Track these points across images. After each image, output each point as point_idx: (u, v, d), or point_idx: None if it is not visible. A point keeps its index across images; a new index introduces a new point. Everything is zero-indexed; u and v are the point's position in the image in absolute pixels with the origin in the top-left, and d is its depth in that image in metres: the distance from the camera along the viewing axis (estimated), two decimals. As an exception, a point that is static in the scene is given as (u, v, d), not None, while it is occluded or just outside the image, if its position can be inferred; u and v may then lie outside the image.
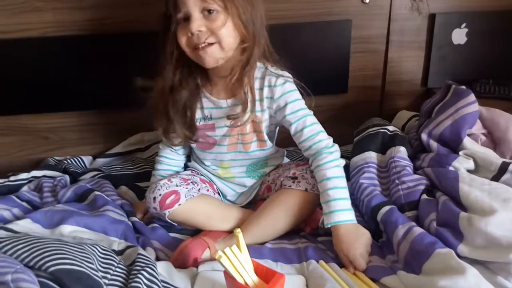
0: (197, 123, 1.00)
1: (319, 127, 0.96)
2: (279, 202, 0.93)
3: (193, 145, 1.05)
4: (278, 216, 0.92)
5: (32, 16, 1.20)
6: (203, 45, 0.88)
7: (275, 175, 1.04)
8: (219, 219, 0.96)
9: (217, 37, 0.88)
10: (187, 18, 0.87)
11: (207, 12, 0.86)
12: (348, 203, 0.89)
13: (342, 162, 0.94)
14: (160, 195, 0.92)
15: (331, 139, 0.96)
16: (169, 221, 0.95)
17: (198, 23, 0.86)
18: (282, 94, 0.95)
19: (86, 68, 1.26)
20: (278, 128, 1.07)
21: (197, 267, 0.82)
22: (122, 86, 1.27)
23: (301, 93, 0.98)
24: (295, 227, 0.96)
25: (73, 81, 1.27)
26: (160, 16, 0.91)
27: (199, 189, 0.99)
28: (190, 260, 0.83)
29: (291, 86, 0.96)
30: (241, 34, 0.90)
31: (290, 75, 0.98)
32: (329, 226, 0.87)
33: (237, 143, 1.01)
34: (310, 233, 0.96)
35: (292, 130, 0.96)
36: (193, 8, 0.85)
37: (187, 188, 0.95)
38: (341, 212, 0.87)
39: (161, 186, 0.93)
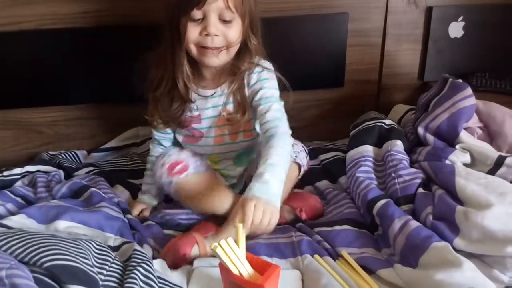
0: (183, 115, 1.01)
1: (282, 115, 0.94)
2: None
3: (180, 139, 1.06)
4: None
5: (26, 8, 1.19)
6: (213, 48, 0.90)
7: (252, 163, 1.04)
8: (219, 200, 0.95)
9: (228, 43, 0.90)
10: (202, 18, 0.88)
11: (223, 19, 0.88)
12: (278, 192, 0.81)
13: (291, 154, 0.91)
14: (169, 161, 0.94)
15: (290, 131, 0.93)
16: (172, 192, 0.95)
17: (216, 27, 0.88)
18: (257, 80, 0.96)
19: (81, 61, 1.25)
20: None
21: (190, 263, 0.82)
22: (117, 79, 1.27)
23: (280, 87, 0.99)
24: (286, 204, 0.97)
25: (67, 74, 1.26)
26: (169, 7, 0.91)
27: (205, 168, 1.00)
28: (179, 256, 0.83)
29: (268, 74, 0.97)
30: (245, 38, 0.94)
31: (270, 65, 0.99)
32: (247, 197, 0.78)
33: (224, 135, 1.01)
34: (306, 222, 0.96)
35: (258, 112, 0.94)
36: (214, 11, 0.87)
37: (196, 162, 0.98)
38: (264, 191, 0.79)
39: (171, 153, 0.96)
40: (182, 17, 0.88)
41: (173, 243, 0.85)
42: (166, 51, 0.94)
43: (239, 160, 1.07)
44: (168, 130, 1.06)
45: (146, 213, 1.03)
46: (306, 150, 1.07)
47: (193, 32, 0.89)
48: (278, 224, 0.95)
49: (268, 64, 0.99)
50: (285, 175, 0.84)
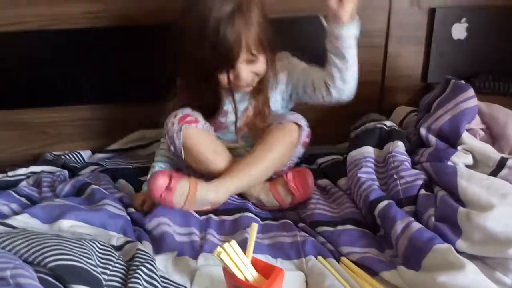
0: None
1: None
2: (258, 145, 1.00)
3: None
4: (262, 155, 0.98)
5: (29, 9, 1.20)
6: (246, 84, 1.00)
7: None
8: (221, 157, 1.01)
9: (258, 75, 1.01)
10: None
11: (250, 60, 0.97)
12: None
13: None
14: (182, 113, 0.99)
15: None
16: (178, 145, 0.98)
17: (247, 73, 0.98)
18: (283, 64, 1.07)
19: (84, 62, 1.26)
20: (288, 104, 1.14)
21: (170, 192, 0.87)
22: (121, 81, 1.28)
23: None
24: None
25: (71, 75, 1.27)
26: (200, 64, 0.96)
27: (211, 131, 1.07)
28: (166, 181, 0.87)
29: (289, 55, 1.10)
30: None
31: (287, 53, 1.10)
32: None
33: (245, 126, 1.09)
34: (308, 221, 0.95)
35: (303, 76, 1.04)
36: (243, 62, 0.96)
37: (205, 124, 1.03)
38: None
39: (183, 110, 1.01)
40: (215, 72, 0.97)
41: (164, 171, 0.90)
42: (199, 91, 1.03)
43: (251, 144, 1.10)
44: None
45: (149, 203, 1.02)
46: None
47: (229, 80, 0.98)
48: (279, 209, 1.01)
49: (284, 52, 1.10)
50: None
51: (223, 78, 0.97)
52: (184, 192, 0.88)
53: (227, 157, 1.02)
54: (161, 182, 0.88)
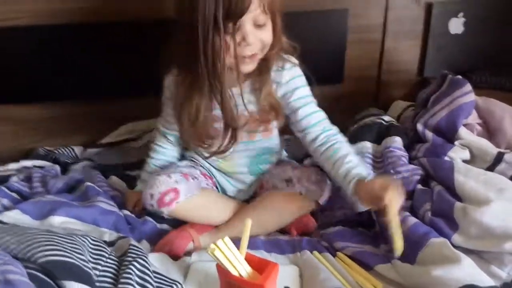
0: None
1: (324, 114, 0.94)
2: (269, 205, 0.93)
3: None
4: (267, 218, 0.92)
5: (21, 4, 1.18)
6: (251, 55, 0.86)
7: (270, 172, 1.02)
8: (216, 213, 0.95)
9: (264, 46, 0.87)
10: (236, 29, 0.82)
11: (258, 24, 0.84)
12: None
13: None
14: (159, 192, 0.87)
15: (337, 128, 0.94)
16: (167, 215, 0.92)
17: (254, 36, 0.83)
18: (291, 78, 0.93)
19: (76, 58, 1.25)
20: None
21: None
22: (112, 75, 1.27)
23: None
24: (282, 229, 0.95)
25: (62, 70, 1.25)
26: (197, 19, 0.79)
27: (198, 185, 0.95)
28: (173, 253, 0.83)
29: (299, 71, 0.94)
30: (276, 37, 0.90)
31: (296, 61, 0.95)
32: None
33: (242, 132, 0.96)
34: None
35: (297, 116, 0.92)
36: (249, 19, 0.82)
37: (187, 184, 0.91)
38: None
39: (160, 183, 0.88)
40: (218, 34, 0.79)
41: (169, 240, 0.85)
42: (200, 81, 0.86)
43: (254, 169, 1.03)
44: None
45: (140, 205, 0.98)
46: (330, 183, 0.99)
47: (232, 45, 0.82)
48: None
49: (294, 60, 0.95)
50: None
51: (228, 40, 0.81)
52: (190, 249, 0.86)
53: (225, 210, 0.95)
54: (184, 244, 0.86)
